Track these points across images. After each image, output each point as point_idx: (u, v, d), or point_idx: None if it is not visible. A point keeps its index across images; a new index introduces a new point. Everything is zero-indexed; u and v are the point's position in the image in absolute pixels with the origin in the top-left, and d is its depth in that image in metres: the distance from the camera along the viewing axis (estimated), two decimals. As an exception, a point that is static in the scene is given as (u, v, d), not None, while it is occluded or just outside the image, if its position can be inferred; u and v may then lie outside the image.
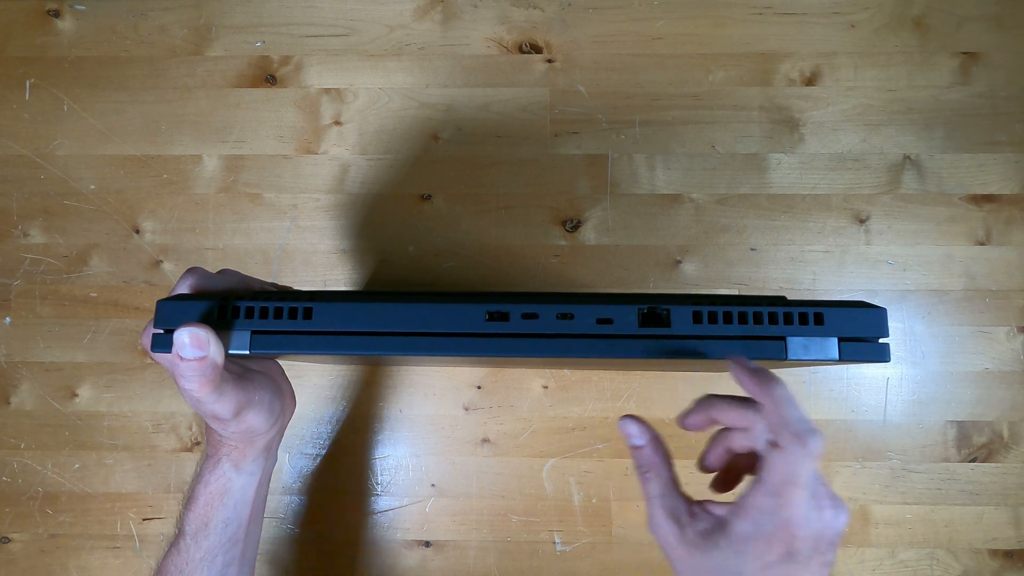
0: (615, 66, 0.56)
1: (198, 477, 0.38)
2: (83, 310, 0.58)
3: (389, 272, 0.57)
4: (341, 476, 0.56)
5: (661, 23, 0.56)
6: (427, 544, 0.57)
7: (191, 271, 0.34)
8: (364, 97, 0.57)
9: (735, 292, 0.56)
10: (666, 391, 0.55)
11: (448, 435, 0.56)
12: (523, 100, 0.56)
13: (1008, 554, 0.55)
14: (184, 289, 0.33)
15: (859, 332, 0.30)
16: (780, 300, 0.31)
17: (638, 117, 0.56)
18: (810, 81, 0.56)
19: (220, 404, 0.33)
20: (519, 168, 0.57)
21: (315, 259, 0.57)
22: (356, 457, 0.56)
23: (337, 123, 0.57)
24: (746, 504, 0.28)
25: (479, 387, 0.56)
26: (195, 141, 0.57)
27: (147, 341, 0.32)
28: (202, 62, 0.57)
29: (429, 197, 0.57)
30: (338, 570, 0.57)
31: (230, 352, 0.31)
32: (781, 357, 0.30)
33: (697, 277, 0.56)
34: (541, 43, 0.57)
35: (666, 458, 0.33)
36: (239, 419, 0.34)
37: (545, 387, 0.56)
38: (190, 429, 0.57)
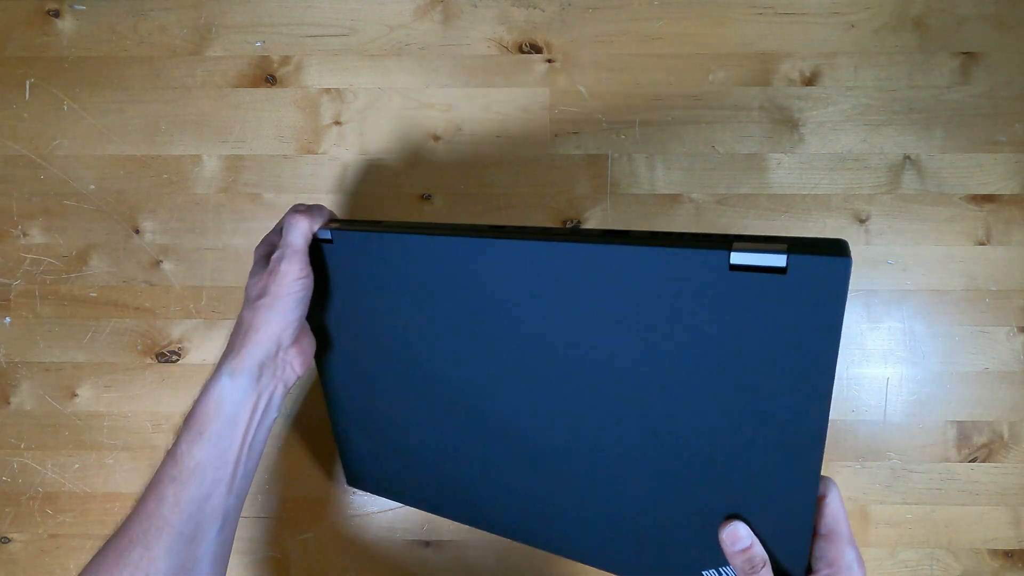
0: (615, 66, 0.56)
1: (199, 392, 0.39)
2: (83, 310, 0.58)
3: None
4: (341, 476, 0.56)
5: (661, 23, 0.56)
6: (427, 544, 0.57)
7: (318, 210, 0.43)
8: (364, 97, 0.57)
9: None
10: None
11: (448, 435, 0.56)
12: (523, 100, 0.56)
13: (1008, 554, 0.55)
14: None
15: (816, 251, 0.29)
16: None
17: (638, 117, 0.56)
18: (810, 81, 0.56)
19: (303, 284, 0.41)
20: (519, 168, 0.57)
21: (315, 259, 0.57)
22: (356, 457, 0.56)
23: (337, 123, 0.57)
24: None
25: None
26: (195, 141, 0.57)
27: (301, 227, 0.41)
28: (202, 62, 0.57)
29: (429, 197, 0.57)
30: (338, 570, 0.57)
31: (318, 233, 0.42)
32: (726, 253, 0.30)
33: (697, 277, 0.56)
34: (541, 43, 0.57)
35: None
36: (292, 324, 0.41)
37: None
38: (190, 429, 0.57)
